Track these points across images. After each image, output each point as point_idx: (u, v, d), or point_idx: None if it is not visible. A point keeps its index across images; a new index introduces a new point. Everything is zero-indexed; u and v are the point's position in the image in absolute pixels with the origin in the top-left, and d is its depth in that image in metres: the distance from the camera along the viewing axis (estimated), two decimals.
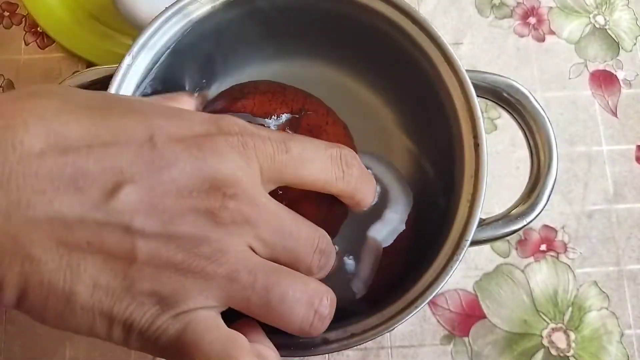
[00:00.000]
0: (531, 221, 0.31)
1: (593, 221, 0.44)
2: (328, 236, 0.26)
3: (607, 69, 0.47)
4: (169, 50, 0.33)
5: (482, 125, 0.31)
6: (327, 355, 0.40)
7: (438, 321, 0.41)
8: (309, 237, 0.24)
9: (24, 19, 0.47)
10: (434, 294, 0.29)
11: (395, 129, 0.36)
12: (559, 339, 0.41)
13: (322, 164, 0.25)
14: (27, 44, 0.47)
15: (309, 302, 0.23)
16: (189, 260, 0.20)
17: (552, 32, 0.48)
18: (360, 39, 0.35)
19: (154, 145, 0.20)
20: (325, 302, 0.24)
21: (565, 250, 0.43)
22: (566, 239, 0.43)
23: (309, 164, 0.24)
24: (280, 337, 0.25)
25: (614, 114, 0.46)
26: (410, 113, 0.36)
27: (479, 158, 0.31)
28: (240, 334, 0.22)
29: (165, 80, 0.34)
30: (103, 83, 0.31)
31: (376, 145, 0.35)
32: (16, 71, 0.46)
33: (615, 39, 0.48)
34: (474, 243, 0.30)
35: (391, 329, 0.29)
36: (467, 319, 0.41)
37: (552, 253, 0.43)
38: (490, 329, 0.41)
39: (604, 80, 0.47)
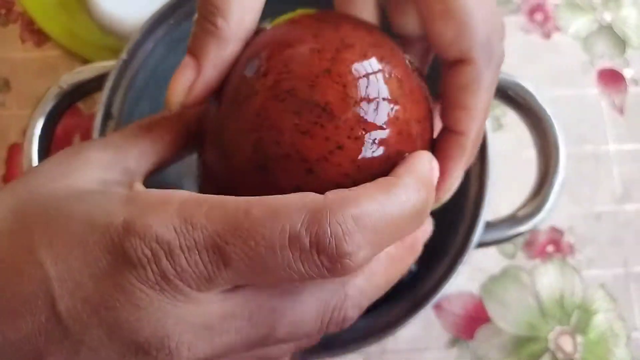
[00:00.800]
0: (539, 222, 0.31)
1: (600, 222, 0.43)
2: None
3: (614, 67, 0.47)
4: (165, 46, 0.32)
5: (488, 124, 0.30)
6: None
7: (442, 324, 0.40)
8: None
9: (20, 16, 0.47)
10: (438, 297, 0.28)
11: None
12: (566, 342, 0.40)
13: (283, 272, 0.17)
14: (23, 42, 0.46)
15: None
16: None
17: (558, 29, 0.47)
18: None
19: (59, 317, 0.17)
20: None
21: (572, 252, 0.42)
22: (573, 240, 0.42)
23: (265, 273, 0.17)
24: None
25: (621, 112, 0.45)
26: None
27: (485, 158, 0.30)
28: None
29: (161, 77, 0.34)
30: (100, 80, 0.31)
31: None
32: (13, 69, 0.45)
33: (622, 36, 0.47)
34: (480, 245, 0.29)
35: (394, 332, 0.28)
36: (472, 322, 0.40)
37: (558, 255, 0.42)
38: (495, 332, 0.40)
39: (611, 78, 0.46)
